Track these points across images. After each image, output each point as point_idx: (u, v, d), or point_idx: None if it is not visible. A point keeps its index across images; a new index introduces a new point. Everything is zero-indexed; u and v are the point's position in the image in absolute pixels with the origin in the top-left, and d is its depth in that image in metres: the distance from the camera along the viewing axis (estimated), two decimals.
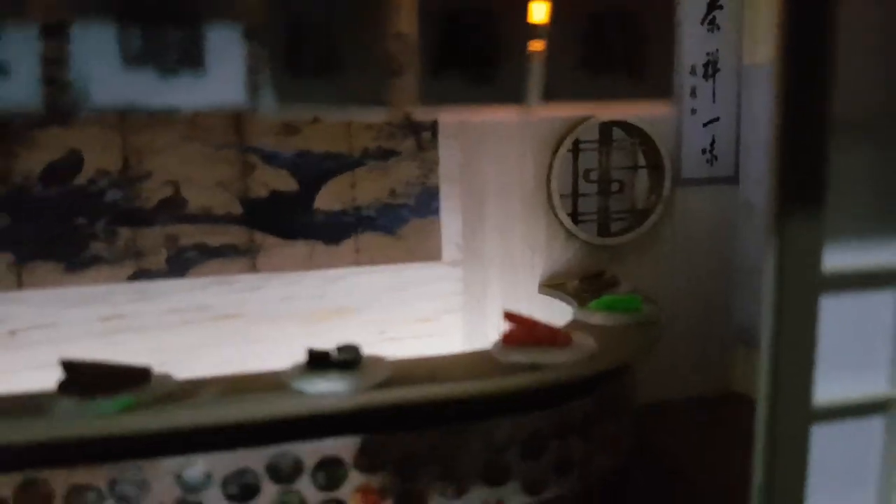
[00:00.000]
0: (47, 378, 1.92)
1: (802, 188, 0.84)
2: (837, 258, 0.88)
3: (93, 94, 0.81)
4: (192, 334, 2.03)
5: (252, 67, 0.84)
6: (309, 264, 2.10)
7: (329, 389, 1.36)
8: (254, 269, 2.05)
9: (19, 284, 1.85)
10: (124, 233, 1.91)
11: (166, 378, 1.38)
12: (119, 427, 1.25)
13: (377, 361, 1.47)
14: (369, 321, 2.23)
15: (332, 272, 2.14)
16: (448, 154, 2.21)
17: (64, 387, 1.29)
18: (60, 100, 0.83)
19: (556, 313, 2.40)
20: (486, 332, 2.37)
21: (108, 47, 0.82)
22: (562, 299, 2.37)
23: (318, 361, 1.42)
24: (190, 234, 1.96)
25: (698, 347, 2.43)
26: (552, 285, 2.43)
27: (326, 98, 0.87)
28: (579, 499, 1.62)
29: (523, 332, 1.62)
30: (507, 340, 1.62)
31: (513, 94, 0.90)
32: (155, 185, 1.91)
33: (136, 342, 1.98)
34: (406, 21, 0.87)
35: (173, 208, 1.93)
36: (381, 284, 2.22)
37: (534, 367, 1.50)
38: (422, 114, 1.00)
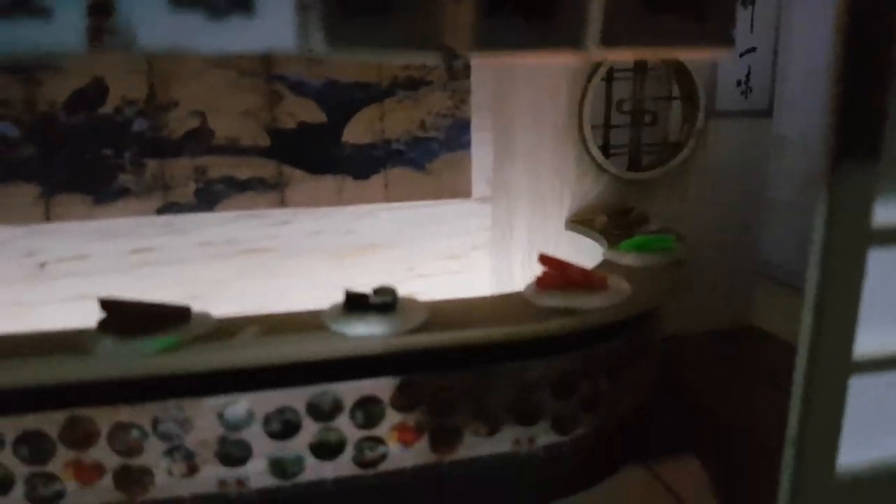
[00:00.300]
0: (76, 310, 1.94)
1: (858, 139, 0.81)
2: (889, 212, 0.86)
3: (139, 37, 0.78)
4: (221, 268, 2.02)
5: (302, 9, 0.80)
6: (338, 199, 2.08)
7: (368, 332, 1.35)
8: (282, 203, 2.02)
9: (47, 217, 1.84)
10: (151, 164, 1.88)
11: (206, 317, 1.37)
12: (161, 367, 1.25)
13: (413, 304, 1.46)
14: (397, 258, 2.21)
15: (360, 208, 2.12)
16: (480, 83, 2.14)
17: (104, 326, 1.29)
18: (106, 42, 0.80)
19: (583, 250, 2.39)
20: (513, 269, 2.36)
21: None
22: (590, 236, 2.34)
23: (356, 303, 1.42)
24: (217, 166, 1.94)
25: (722, 281, 2.42)
26: (580, 221, 2.40)
27: (378, 41, 0.84)
28: (606, 436, 1.63)
29: (558, 275, 1.60)
30: (542, 283, 1.60)
31: (570, 39, 0.86)
32: (182, 115, 1.88)
33: (164, 275, 1.97)
34: None
35: (200, 139, 1.90)
36: (410, 220, 2.20)
37: (568, 312, 1.49)
38: (476, 58, 0.97)
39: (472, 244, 2.31)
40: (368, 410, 1.40)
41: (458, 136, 2.16)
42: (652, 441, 1.77)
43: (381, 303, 1.41)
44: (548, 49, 0.88)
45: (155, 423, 1.28)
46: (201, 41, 0.81)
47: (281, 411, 1.35)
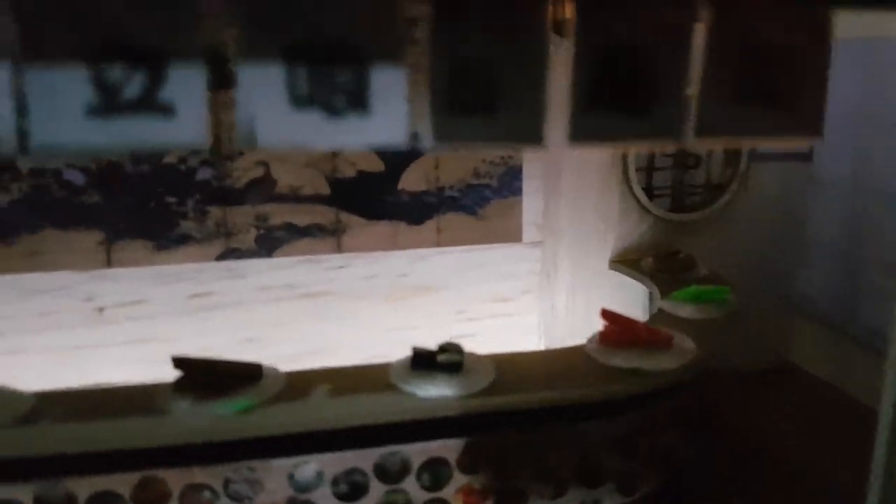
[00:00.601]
0: (133, 354, 1.96)
1: None
2: None
3: (259, 135, 0.79)
4: (278, 311, 2.03)
5: (413, 108, 0.82)
6: (392, 244, 2.09)
7: (438, 394, 1.36)
8: (339, 248, 2.03)
9: (108, 262, 1.86)
10: (214, 212, 1.90)
11: (276, 374, 1.38)
12: (236, 429, 1.26)
13: (480, 361, 1.46)
14: (448, 300, 2.22)
15: (413, 252, 2.13)
16: None
17: (180, 386, 1.30)
18: (227, 140, 0.81)
19: (625, 290, 2.39)
20: (556, 311, 2.36)
21: (275, 89, 0.80)
22: (635, 278, 2.33)
23: (424, 361, 1.42)
24: (279, 214, 1.95)
25: (760, 320, 2.40)
26: (623, 262, 2.40)
27: (483, 136, 0.85)
28: (671, 490, 1.62)
29: (622, 332, 1.60)
30: (605, 340, 1.60)
31: (666, 130, 0.87)
32: (246, 165, 1.90)
33: (222, 319, 1.99)
34: (560, 58, 0.84)
35: (263, 188, 1.92)
36: (461, 264, 2.20)
37: (635, 373, 1.48)
38: (572, 150, 0.98)
39: (522, 288, 2.31)
40: (435, 472, 1.40)
41: (510, 183, 2.17)
42: (714, 488, 1.75)
43: (449, 362, 1.42)
44: (645, 140, 0.88)
45: (226, 484, 1.29)
46: (319, 140, 0.82)
47: (349, 472, 1.35)
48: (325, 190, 1.98)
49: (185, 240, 1.91)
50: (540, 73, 0.86)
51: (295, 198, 1.96)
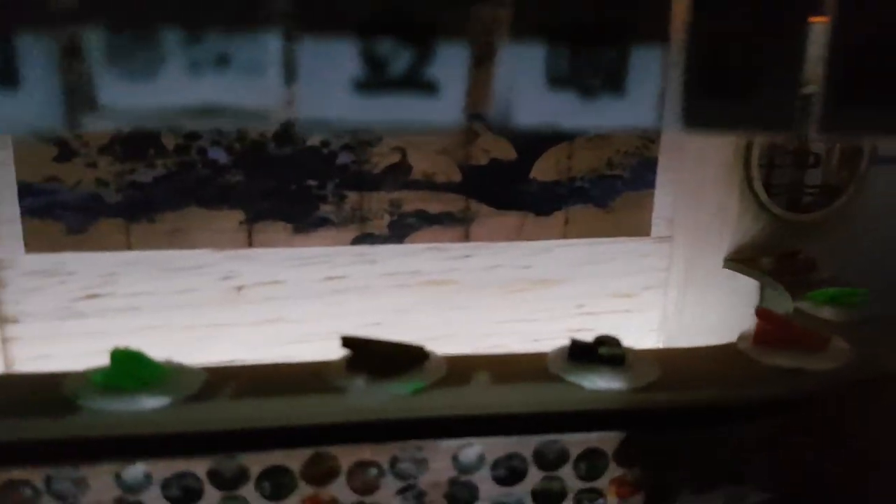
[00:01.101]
0: (268, 333, 1.99)
1: None
2: None
3: (515, 114, 0.79)
4: (404, 297, 2.04)
5: (666, 90, 0.81)
6: (518, 235, 2.08)
7: (605, 386, 1.35)
8: (466, 237, 2.04)
9: (249, 243, 1.89)
10: (352, 197, 1.92)
11: (438, 358, 1.39)
12: (409, 409, 1.27)
13: (641, 356, 1.45)
14: (568, 294, 2.20)
15: (538, 243, 2.12)
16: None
17: (352, 364, 1.32)
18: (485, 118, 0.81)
19: (739, 289, 2.35)
20: (672, 307, 2.33)
21: (534, 69, 0.79)
22: (754, 277, 2.29)
23: (583, 353, 1.41)
24: (412, 201, 1.96)
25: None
26: (739, 260, 2.36)
27: (734, 121, 0.83)
28: (815, 495, 1.59)
29: (780, 331, 1.57)
30: (761, 339, 1.57)
31: (785, 122, 0.85)
32: (384, 151, 1.91)
33: (352, 303, 2.01)
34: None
35: (399, 174, 1.93)
36: (585, 257, 2.18)
37: (799, 373, 1.46)
38: (824, 141, 0.96)
39: (644, 284, 2.28)
40: (592, 463, 1.39)
41: (643, 175, 2.14)
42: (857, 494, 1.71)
43: (611, 354, 1.41)
44: (761, 130, 0.87)
45: (393, 462, 1.30)
46: (572, 120, 0.81)
47: (510, 457, 1.35)
48: (457, 177, 1.98)
49: (322, 223, 1.92)
50: (797, 55, 0.84)
51: (428, 184, 1.96)
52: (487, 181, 2.00)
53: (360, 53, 0.76)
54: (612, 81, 0.80)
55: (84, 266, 1.81)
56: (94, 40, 0.70)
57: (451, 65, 0.78)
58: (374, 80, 0.76)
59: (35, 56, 0.70)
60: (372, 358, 1.30)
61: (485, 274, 2.10)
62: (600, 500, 1.41)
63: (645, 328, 2.31)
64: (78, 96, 0.72)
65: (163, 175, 1.79)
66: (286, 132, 1.81)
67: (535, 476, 1.37)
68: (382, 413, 1.27)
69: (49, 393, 1.24)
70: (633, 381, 1.36)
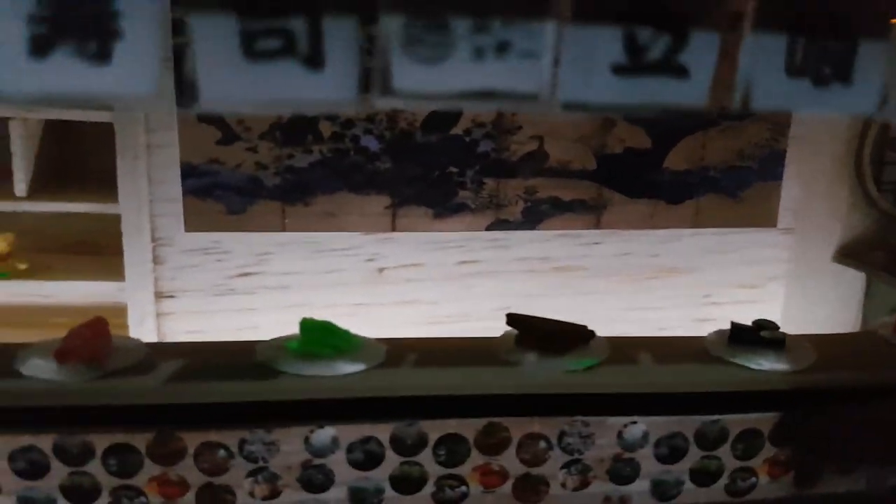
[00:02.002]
0: (407, 313, 2.07)
1: None
2: None
3: (754, 98, 0.84)
4: (533, 283, 2.10)
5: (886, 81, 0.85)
6: (649, 223, 2.12)
7: (766, 367, 1.39)
8: (597, 224, 2.09)
9: (393, 227, 1.97)
10: (489, 183, 1.99)
11: (600, 339, 1.44)
12: (579, 385, 1.33)
13: (797, 341, 1.48)
14: (695, 283, 2.23)
15: (668, 232, 2.16)
16: (800, 115, 2.14)
17: (521, 340, 1.38)
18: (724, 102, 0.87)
19: (845, 283, 2.35)
20: (800, 297, 2.34)
21: (775, 57, 0.84)
22: (866, 272, 2.31)
23: (745, 336, 1.45)
24: (546, 188, 2.02)
25: None
26: (848, 255, 2.36)
27: None
28: None
29: None
30: None
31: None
32: (522, 139, 1.97)
33: (484, 287, 2.07)
34: None
35: (536, 162, 1.99)
36: (712, 247, 2.21)
37: None
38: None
39: (769, 275, 2.30)
40: (749, 443, 1.43)
41: (772, 167, 2.16)
42: None
43: (772, 338, 1.44)
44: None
45: (561, 436, 1.35)
46: (804, 105, 0.86)
47: (671, 437, 1.39)
48: (592, 165, 2.03)
49: (460, 209, 1.99)
50: None
51: (563, 172, 2.01)
52: (621, 169, 2.04)
53: (623, 40, 0.82)
54: (840, 71, 0.85)
55: (240, 245, 1.91)
56: (392, 27, 0.78)
57: (701, 51, 0.83)
58: (633, 64, 0.82)
59: (338, 41, 0.78)
60: (541, 335, 1.36)
61: (614, 261, 2.15)
62: (752, 479, 1.45)
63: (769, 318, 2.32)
64: (374, 79, 0.80)
65: (318, 160, 1.88)
66: (431, 120, 1.89)
67: (694, 455, 1.41)
68: (553, 388, 1.33)
69: (243, 359, 1.33)
70: (794, 363, 1.39)
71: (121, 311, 1.92)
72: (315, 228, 1.92)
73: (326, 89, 0.76)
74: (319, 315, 1.99)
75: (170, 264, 1.90)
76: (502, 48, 0.77)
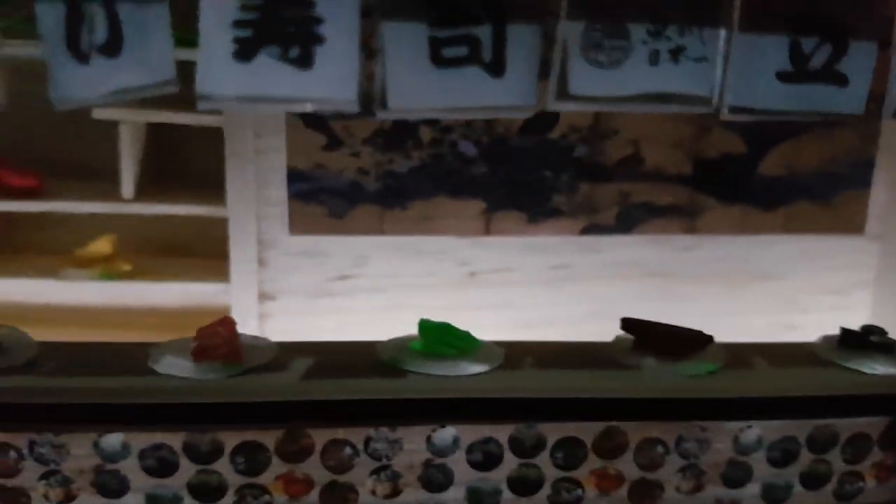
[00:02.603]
0: (499, 317, 2.09)
1: None
2: None
3: None
4: (625, 288, 2.10)
5: None
6: (741, 228, 2.12)
7: (880, 371, 1.39)
8: (690, 230, 2.09)
9: (486, 231, 2.00)
10: (584, 188, 2.00)
11: (718, 345, 1.45)
12: (698, 390, 1.34)
13: None
14: (784, 289, 2.21)
15: (759, 238, 2.15)
16: (892, 125, 2.13)
17: (638, 345, 1.40)
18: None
19: None
20: (888, 305, 2.32)
21: None
22: None
23: (855, 341, 1.46)
24: (640, 192, 2.02)
25: None
26: None
27: None
28: None
29: None
30: None
31: None
32: (618, 143, 1.98)
33: (575, 291, 2.08)
34: None
35: (631, 166, 2.00)
36: (801, 253, 2.19)
37: None
38: None
39: (856, 281, 2.28)
40: (857, 446, 1.42)
41: (861, 174, 2.15)
42: None
43: (882, 342, 1.45)
44: None
45: (679, 441, 1.36)
46: None
47: (783, 441, 1.39)
48: (687, 170, 2.03)
49: (554, 213, 2.00)
50: None
51: (658, 176, 2.02)
52: (716, 175, 2.04)
53: (788, 48, 0.84)
54: None
55: (340, 248, 1.95)
56: (572, 33, 0.80)
57: (859, 60, 0.85)
58: (797, 71, 0.84)
59: (520, 47, 0.80)
60: (660, 339, 1.37)
61: (705, 267, 2.14)
62: (860, 483, 1.44)
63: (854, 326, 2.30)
64: (550, 83, 0.83)
65: (417, 166, 1.90)
66: (529, 125, 1.91)
67: (805, 459, 1.40)
68: (674, 392, 1.34)
69: (366, 358, 1.36)
70: None
71: (216, 312, 1.96)
72: (412, 232, 1.95)
73: (507, 95, 0.79)
74: (410, 317, 2.02)
75: (273, 266, 1.94)
76: (676, 53, 0.79)
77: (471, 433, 1.32)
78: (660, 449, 1.36)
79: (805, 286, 2.23)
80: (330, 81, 0.74)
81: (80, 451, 1.24)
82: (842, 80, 0.84)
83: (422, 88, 0.77)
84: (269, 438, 1.27)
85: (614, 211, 2.00)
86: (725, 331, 2.22)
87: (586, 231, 2.01)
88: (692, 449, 1.37)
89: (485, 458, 1.33)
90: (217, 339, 1.25)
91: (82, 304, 1.95)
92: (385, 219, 1.92)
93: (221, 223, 1.90)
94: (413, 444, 1.31)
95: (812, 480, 1.42)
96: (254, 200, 1.87)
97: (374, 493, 1.32)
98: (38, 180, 1.96)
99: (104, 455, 1.25)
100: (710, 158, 2.01)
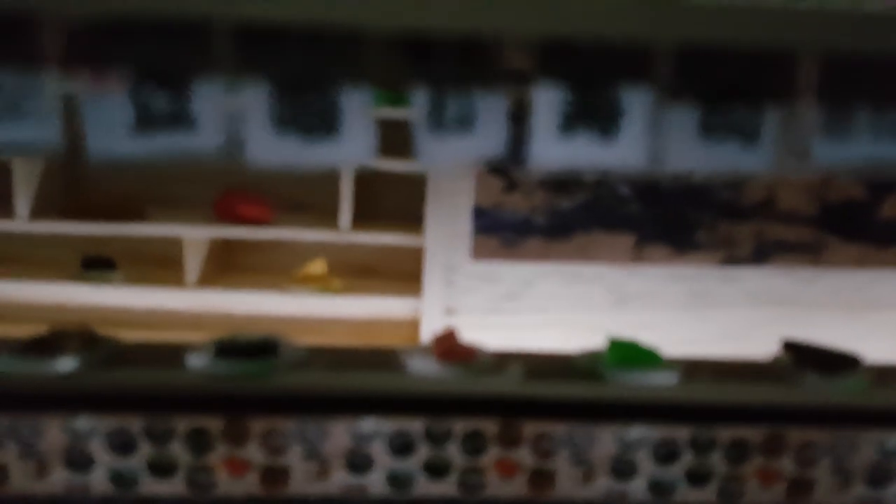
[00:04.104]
0: (643, 337, 2.23)
1: None
2: None
3: None
4: (759, 314, 2.24)
5: None
6: (860, 263, 2.23)
7: None
8: (815, 263, 2.21)
9: (636, 260, 2.16)
10: (724, 225, 2.15)
11: (865, 365, 1.57)
12: (849, 401, 1.48)
13: None
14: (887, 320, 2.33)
15: (879, 272, 2.26)
16: None
17: (800, 362, 1.54)
18: None
19: None
20: None
21: None
22: None
23: None
24: (773, 230, 2.16)
25: None
26: None
27: None
28: None
29: None
30: None
31: None
32: (755, 187, 2.13)
33: (710, 318, 2.23)
34: None
35: (766, 208, 2.14)
36: None
37: None
38: None
39: None
40: None
41: None
42: None
43: None
44: None
45: (833, 446, 1.50)
46: None
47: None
48: (815, 211, 2.17)
49: (697, 246, 2.17)
50: None
51: (790, 217, 2.16)
52: (839, 216, 2.16)
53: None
54: None
55: (511, 273, 2.14)
56: (811, 112, 0.96)
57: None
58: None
59: (771, 124, 0.97)
60: (818, 358, 1.51)
61: (828, 297, 2.26)
62: None
63: None
64: (792, 150, 0.99)
65: (579, 204, 2.10)
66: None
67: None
68: (828, 402, 1.47)
69: (565, 367, 1.54)
70: None
71: (408, 323, 2.17)
72: (570, 259, 2.13)
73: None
74: (565, 334, 2.19)
75: (457, 286, 2.15)
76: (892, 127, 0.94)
77: (654, 433, 1.47)
78: (817, 453, 1.49)
79: None
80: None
81: (335, 431, 1.46)
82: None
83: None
84: (489, 427, 1.45)
85: (750, 246, 2.13)
86: None
87: (725, 262, 2.14)
88: (843, 453, 1.49)
89: (666, 454, 1.48)
90: (454, 344, 1.45)
91: (302, 314, 2.18)
92: (550, 249, 2.09)
93: (415, 251, 2.12)
94: (603, 443, 1.47)
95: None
96: (445, 233, 2.08)
97: (571, 479, 1.49)
98: (269, 212, 2.21)
99: (357, 437, 1.45)
100: (835, 202, 2.13)
